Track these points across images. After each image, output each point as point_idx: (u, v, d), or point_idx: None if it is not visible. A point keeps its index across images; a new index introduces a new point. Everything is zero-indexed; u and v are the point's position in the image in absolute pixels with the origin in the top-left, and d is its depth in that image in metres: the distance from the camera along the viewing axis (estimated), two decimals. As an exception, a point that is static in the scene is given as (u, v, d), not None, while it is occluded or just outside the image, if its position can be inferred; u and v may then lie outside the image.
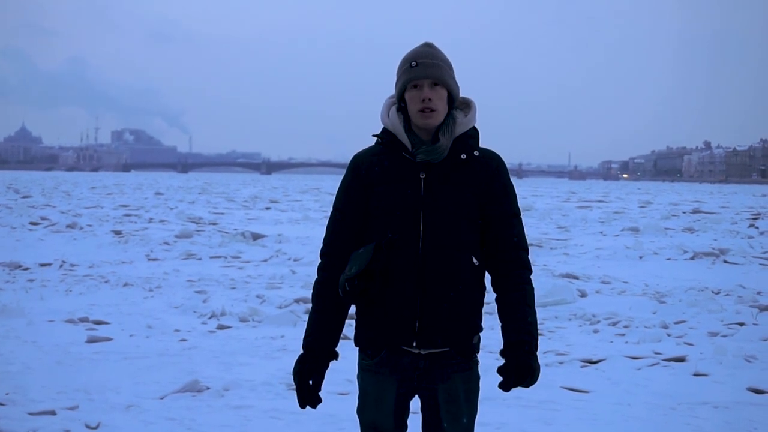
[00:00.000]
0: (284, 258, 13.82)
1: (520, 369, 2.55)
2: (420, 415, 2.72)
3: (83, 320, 7.94)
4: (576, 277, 11.59)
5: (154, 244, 15.64)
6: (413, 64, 2.64)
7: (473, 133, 2.70)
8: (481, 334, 2.69)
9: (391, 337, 2.62)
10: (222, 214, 26.77)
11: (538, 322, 2.70)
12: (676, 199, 50.09)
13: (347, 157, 2.87)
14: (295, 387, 2.67)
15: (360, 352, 2.71)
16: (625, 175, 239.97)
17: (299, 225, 22.01)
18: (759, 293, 10.19)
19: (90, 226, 19.96)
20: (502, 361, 2.60)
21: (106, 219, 22.57)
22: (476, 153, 2.67)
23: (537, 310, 2.69)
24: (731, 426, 4.95)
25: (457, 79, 2.70)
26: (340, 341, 2.73)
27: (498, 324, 2.66)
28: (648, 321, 8.34)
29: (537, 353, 2.60)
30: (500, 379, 2.58)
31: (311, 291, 2.75)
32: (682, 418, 5.08)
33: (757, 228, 22.79)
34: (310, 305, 2.79)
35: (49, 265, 12.26)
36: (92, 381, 5.66)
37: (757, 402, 5.47)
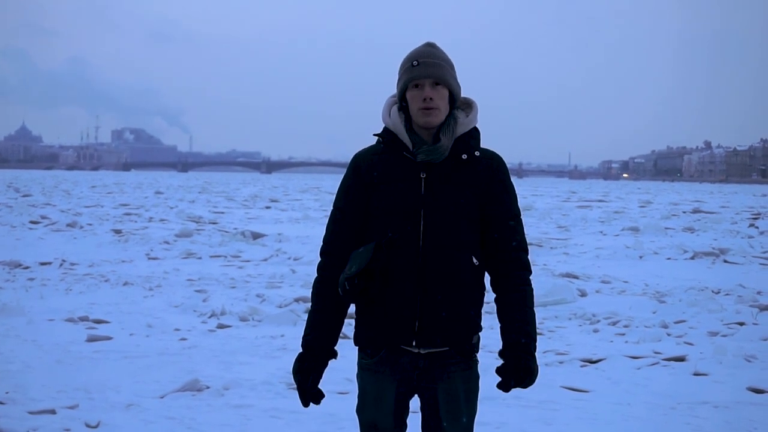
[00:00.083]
0: (284, 257, 13.83)
1: (519, 370, 2.56)
2: (420, 414, 2.72)
3: (83, 319, 7.94)
4: (576, 277, 11.59)
5: (154, 243, 15.65)
6: (415, 63, 2.64)
7: (474, 134, 2.69)
8: (480, 333, 2.69)
9: (391, 337, 2.62)
10: (222, 213, 26.80)
11: (538, 321, 2.71)
12: (676, 198, 50.09)
13: (347, 157, 2.86)
14: (295, 386, 2.67)
15: (360, 351, 2.71)
16: (625, 175, 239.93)
17: (299, 224, 22.02)
18: (759, 293, 10.19)
19: (90, 225, 19.98)
20: (501, 361, 2.61)
21: (106, 218, 22.59)
22: (477, 153, 2.66)
23: (537, 309, 2.70)
24: (731, 426, 4.95)
25: (458, 79, 2.70)
26: (340, 340, 2.73)
27: (498, 324, 2.66)
28: (648, 321, 8.34)
29: (536, 354, 2.61)
30: (499, 379, 2.59)
31: (311, 290, 2.75)
32: (682, 417, 5.08)
33: (757, 228, 22.82)
34: (309, 304, 2.79)
35: (49, 263, 12.25)
36: (92, 380, 5.66)
37: (757, 402, 5.46)
